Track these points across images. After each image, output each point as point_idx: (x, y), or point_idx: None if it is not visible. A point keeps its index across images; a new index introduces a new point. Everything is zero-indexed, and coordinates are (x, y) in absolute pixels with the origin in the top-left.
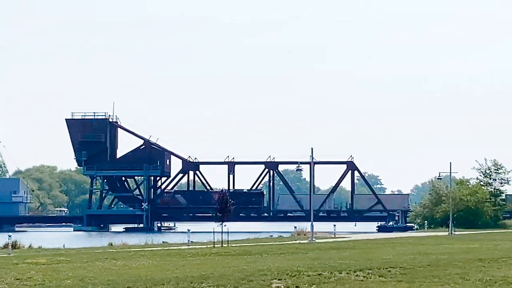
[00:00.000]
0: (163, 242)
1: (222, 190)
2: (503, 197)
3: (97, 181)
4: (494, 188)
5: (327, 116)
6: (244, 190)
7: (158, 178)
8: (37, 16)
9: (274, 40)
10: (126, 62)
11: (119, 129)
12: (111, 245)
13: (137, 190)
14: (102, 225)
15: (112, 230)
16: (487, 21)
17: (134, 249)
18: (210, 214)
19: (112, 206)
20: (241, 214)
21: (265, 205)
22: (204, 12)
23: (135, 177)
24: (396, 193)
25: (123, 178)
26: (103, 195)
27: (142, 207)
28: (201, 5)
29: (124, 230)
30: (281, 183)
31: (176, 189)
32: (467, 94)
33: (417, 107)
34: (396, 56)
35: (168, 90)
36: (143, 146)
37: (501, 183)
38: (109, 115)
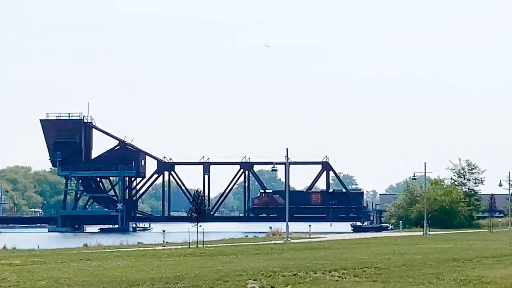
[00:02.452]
0: (138, 242)
1: (197, 191)
2: (477, 197)
3: (71, 182)
4: (468, 188)
5: (327, 116)
6: (343, 190)
7: (133, 178)
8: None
9: (274, 40)
10: (125, 62)
11: (94, 129)
12: (86, 246)
13: (112, 190)
14: (77, 226)
15: (87, 231)
16: (487, 21)
17: (109, 250)
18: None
19: (87, 206)
20: (340, 215)
21: (364, 204)
22: (204, 12)
23: (110, 178)
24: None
25: (98, 179)
26: (78, 195)
27: (117, 208)
28: (201, 5)
29: (99, 230)
30: (256, 183)
31: (276, 190)
32: (467, 94)
33: (417, 107)
34: (396, 56)
35: (168, 90)
36: (118, 147)
37: (475, 183)
38: (84, 116)
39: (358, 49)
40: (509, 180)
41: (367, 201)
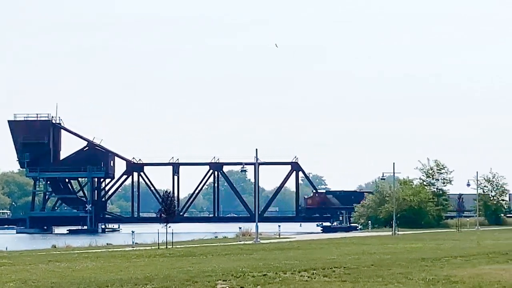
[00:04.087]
0: (107, 244)
1: (166, 191)
2: (446, 197)
3: (40, 183)
4: (437, 188)
5: (327, 116)
6: None
7: (102, 179)
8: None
9: (274, 40)
10: (125, 62)
11: (62, 130)
12: (55, 247)
13: (81, 191)
14: (45, 227)
15: (55, 232)
16: (487, 21)
17: (78, 251)
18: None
19: (56, 208)
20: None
21: None
22: (204, 12)
23: (79, 179)
24: None
25: (67, 180)
26: (47, 197)
27: (86, 209)
28: (201, 5)
29: (68, 232)
30: (225, 184)
31: (329, 190)
32: (467, 94)
33: (417, 107)
34: (396, 56)
35: (168, 90)
36: (87, 148)
37: (444, 183)
38: (52, 117)
39: (358, 49)
40: (477, 180)
41: None
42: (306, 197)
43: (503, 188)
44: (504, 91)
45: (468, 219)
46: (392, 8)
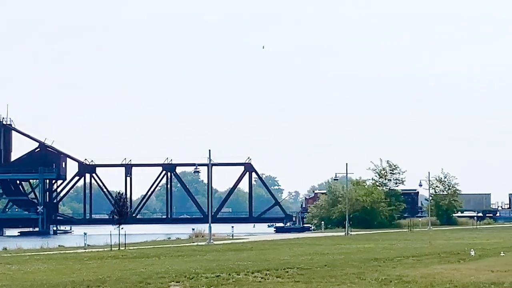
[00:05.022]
0: (59, 246)
1: (119, 193)
2: (398, 196)
3: None
4: (389, 189)
5: (327, 116)
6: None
7: (53, 181)
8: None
9: (274, 41)
10: (74, 63)
11: (13, 131)
12: (6, 249)
13: (32, 193)
14: None
15: (6, 234)
16: (487, 21)
17: (29, 253)
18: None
19: (7, 210)
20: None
21: (419, 205)
22: (203, 12)
23: (30, 180)
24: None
25: (18, 181)
26: None
27: (38, 211)
28: (201, 5)
29: (19, 234)
30: (178, 185)
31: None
32: (467, 94)
33: (416, 107)
34: (396, 56)
35: (120, 90)
36: (38, 149)
37: (396, 183)
38: (3, 118)
39: (359, 49)
40: (429, 181)
41: (421, 201)
42: (307, 197)
43: (454, 188)
44: (504, 91)
45: (420, 219)
46: (392, 8)
